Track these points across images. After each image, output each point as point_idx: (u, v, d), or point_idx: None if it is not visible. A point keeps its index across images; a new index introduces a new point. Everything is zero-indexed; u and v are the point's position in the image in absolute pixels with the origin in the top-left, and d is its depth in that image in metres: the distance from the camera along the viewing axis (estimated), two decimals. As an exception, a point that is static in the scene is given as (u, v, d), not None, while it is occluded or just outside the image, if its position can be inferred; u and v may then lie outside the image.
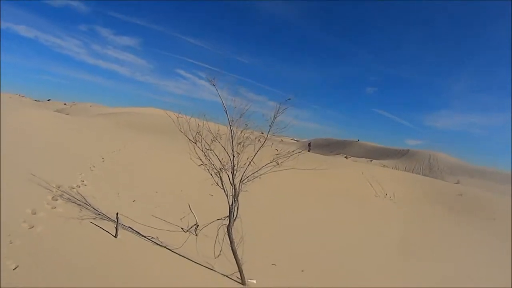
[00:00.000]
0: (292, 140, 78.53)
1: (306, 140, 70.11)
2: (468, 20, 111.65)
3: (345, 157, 45.12)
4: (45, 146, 10.51)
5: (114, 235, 4.87)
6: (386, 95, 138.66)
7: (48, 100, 69.51)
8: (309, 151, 35.54)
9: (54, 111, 34.64)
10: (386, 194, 16.00)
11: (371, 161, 43.45)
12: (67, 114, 33.22)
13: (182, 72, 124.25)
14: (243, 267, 4.94)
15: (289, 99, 4.20)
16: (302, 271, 6.34)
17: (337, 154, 47.21)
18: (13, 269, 3.12)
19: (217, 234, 4.89)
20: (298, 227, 9.70)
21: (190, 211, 5.47)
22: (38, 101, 66.01)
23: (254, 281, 4.97)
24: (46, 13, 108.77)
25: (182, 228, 5.63)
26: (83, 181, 7.82)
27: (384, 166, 31.80)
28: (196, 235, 5.48)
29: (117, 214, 4.82)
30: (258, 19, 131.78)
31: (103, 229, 5.04)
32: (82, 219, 5.20)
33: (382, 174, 19.53)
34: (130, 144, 14.83)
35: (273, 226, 9.20)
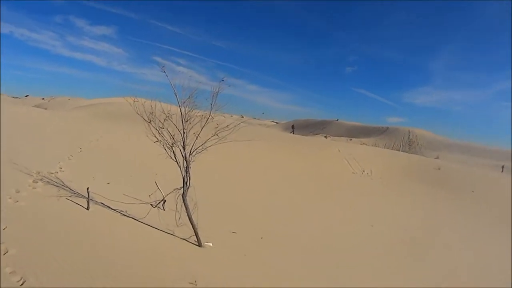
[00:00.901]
0: (272, 123, 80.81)
1: (285, 122, 72.33)
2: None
3: (325, 136, 46.97)
4: (25, 140, 11.28)
5: (86, 207, 5.75)
6: (365, 74, 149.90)
7: (26, 96, 69.82)
8: (292, 133, 36.86)
9: (33, 106, 35.01)
10: (364, 171, 17.06)
11: (350, 139, 45.75)
12: (45, 109, 33.76)
13: (159, 59, 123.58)
14: (204, 233, 5.92)
15: (223, 80, 5.08)
16: (261, 238, 7.28)
17: (317, 134, 48.99)
18: (3, 229, 4.00)
19: (176, 204, 5.80)
20: (264, 200, 10.69)
21: (157, 188, 6.37)
22: (16, 97, 65.88)
23: (211, 244, 5.93)
24: (21, 6, 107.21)
25: (151, 204, 6.52)
26: (61, 168, 8.70)
27: (363, 144, 33.19)
28: (164, 209, 6.39)
29: (87, 188, 5.74)
30: (235, 1, 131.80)
31: (77, 204, 5.95)
32: (59, 196, 6.12)
33: (360, 151, 20.72)
34: (106, 134, 15.66)
35: (238, 198, 10.19)
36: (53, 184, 6.90)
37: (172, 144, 5.24)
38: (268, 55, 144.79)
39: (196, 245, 5.80)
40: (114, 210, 6.35)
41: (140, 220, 6.15)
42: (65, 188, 6.86)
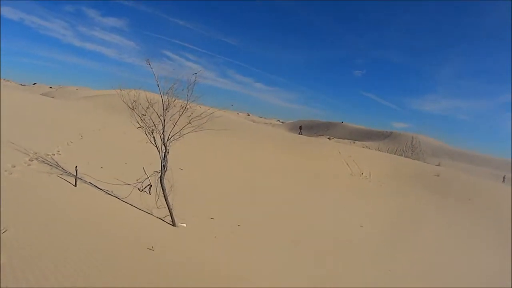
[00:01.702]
0: (278, 122, 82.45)
1: (291, 121, 74.10)
2: (456, 6, 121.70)
3: (328, 138, 47.60)
4: (28, 125, 12.19)
5: (74, 184, 6.51)
6: (374, 78, 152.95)
7: (34, 84, 72.35)
8: (300, 133, 37.60)
9: (40, 94, 36.46)
10: (362, 173, 17.58)
11: (354, 142, 46.49)
12: (53, 97, 35.15)
13: (169, 53, 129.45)
14: (185, 217, 6.64)
15: (196, 73, 5.80)
16: (238, 225, 7.94)
17: (321, 135, 49.65)
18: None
19: (156, 187, 6.53)
20: (256, 195, 11.41)
21: (145, 174, 7.11)
22: (24, 85, 68.14)
23: (184, 225, 6.64)
24: None
25: (138, 188, 7.26)
26: (58, 151, 9.57)
27: (365, 147, 33.77)
28: (150, 193, 7.13)
29: (76, 167, 6.52)
30: (246, 0, 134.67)
31: (67, 181, 6.72)
32: (51, 173, 6.94)
33: (360, 154, 21.24)
34: (108, 123, 16.55)
35: (231, 190, 10.91)
36: (48, 164, 7.72)
37: (152, 130, 5.94)
38: (276, 54, 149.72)
39: (171, 224, 6.48)
40: (100, 189, 7.12)
41: (122, 199, 6.90)
42: (58, 167, 7.66)
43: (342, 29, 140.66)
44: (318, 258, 7.76)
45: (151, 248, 4.59)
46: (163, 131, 6.04)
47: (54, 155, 9.01)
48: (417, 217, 13.28)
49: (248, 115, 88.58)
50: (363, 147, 35.35)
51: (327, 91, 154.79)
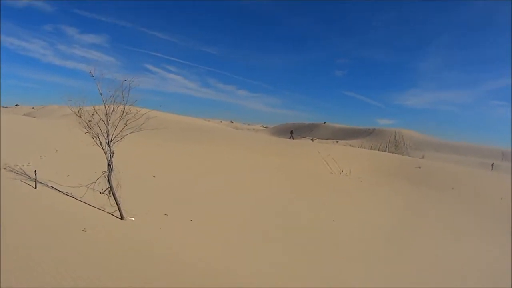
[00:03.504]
0: (262, 127, 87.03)
1: (275, 125, 79.58)
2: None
3: (311, 139, 49.86)
4: (4, 142, 13.58)
5: (34, 187, 7.83)
6: (355, 77, 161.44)
7: (16, 105, 75.24)
8: (291, 138, 39.27)
9: (22, 115, 38.29)
10: (342, 171, 18.78)
11: (337, 142, 48.98)
12: (34, 117, 36.99)
13: (150, 67, 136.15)
14: (139, 214, 7.90)
15: (125, 80, 7.16)
16: (190, 220, 9.16)
17: (304, 137, 51.57)
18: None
19: (98, 183, 7.81)
20: (231, 195, 12.65)
21: (104, 177, 8.40)
22: (6, 107, 70.76)
23: (133, 219, 7.93)
24: (10, 15, 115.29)
25: (99, 192, 8.54)
26: (29, 163, 10.87)
27: (348, 145, 35.39)
28: (109, 196, 8.40)
29: (35, 171, 7.84)
30: (224, 8, 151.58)
31: (28, 184, 8.04)
32: (15, 179, 8.25)
33: (340, 152, 22.70)
34: (85, 138, 17.85)
35: (203, 190, 12.02)
36: (15, 172, 9.06)
37: (97, 134, 7.28)
38: (258, 60, 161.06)
39: (120, 218, 7.73)
40: (60, 191, 8.43)
41: (79, 199, 8.17)
42: (24, 175, 9.03)
43: (322, 31, 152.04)
44: (287, 252, 8.86)
45: (83, 229, 5.84)
46: (107, 135, 7.37)
47: (23, 166, 10.35)
48: (396, 209, 14.31)
49: (232, 122, 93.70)
50: (346, 145, 36.88)
51: (309, 93, 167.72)
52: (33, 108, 70.57)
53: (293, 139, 39.76)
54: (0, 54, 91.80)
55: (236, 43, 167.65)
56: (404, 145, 39.69)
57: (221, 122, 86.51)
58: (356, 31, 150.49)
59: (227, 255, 7.66)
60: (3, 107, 71.66)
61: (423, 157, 30.31)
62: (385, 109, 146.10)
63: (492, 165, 32.29)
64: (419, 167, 21.43)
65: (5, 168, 9.21)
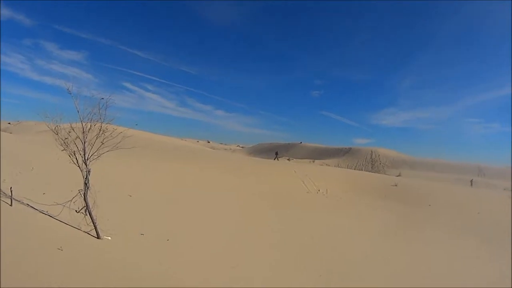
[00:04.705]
0: (238, 147, 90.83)
1: (251, 145, 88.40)
2: (409, 19, 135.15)
3: (288, 159, 51.29)
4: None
5: (10, 204, 8.05)
6: (332, 97, 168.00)
7: None
8: (276, 159, 39.99)
9: None
10: (319, 190, 19.26)
11: (313, 161, 50.49)
12: (11, 133, 36.99)
13: (128, 85, 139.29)
14: (118, 233, 8.14)
15: (102, 98, 7.53)
16: (167, 240, 9.40)
17: (280, 157, 52.95)
18: None
19: (74, 201, 8.05)
20: (201, 214, 12.91)
21: (81, 195, 8.64)
22: None
23: (109, 238, 8.20)
24: None
25: (75, 210, 8.78)
26: (4, 180, 11.05)
27: (324, 165, 36.38)
28: (85, 215, 8.62)
29: (10, 188, 8.09)
30: (203, 28, 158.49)
31: (4, 201, 8.26)
32: (-11, 196, 8.39)
33: (316, 172, 23.36)
34: (63, 157, 18.04)
35: (179, 209, 12.24)
36: (-11, 189, 9.20)
37: (74, 152, 7.56)
38: (235, 81, 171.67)
39: (96, 237, 7.96)
40: (35, 209, 8.66)
41: (55, 217, 8.39)
42: (-1, 192, 9.15)
43: (299, 52, 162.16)
44: (265, 268, 9.11)
45: (60, 248, 6.08)
46: (84, 153, 7.65)
47: (-1, 183, 10.50)
48: (374, 226, 14.72)
49: (208, 142, 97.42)
50: (322, 165, 37.72)
51: (286, 113, 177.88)
52: (9, 123, 70.80)
53: (277, 160, 40.49)
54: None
55: (214, 63, 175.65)
56: (380, 163, 41.25)
57: (198, 141, 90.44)
58: (332, 52, 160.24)
59: (203, 275, 7.93)
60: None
61: (399, 175, 31.39)
62: (361, 128, 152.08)
63: (471, 181, 33.60)
64: (396, 185, 22.51)
65: (-21, 185, 9.39)
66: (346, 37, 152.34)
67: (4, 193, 9.33)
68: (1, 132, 30.04)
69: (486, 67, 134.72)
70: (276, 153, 47.77)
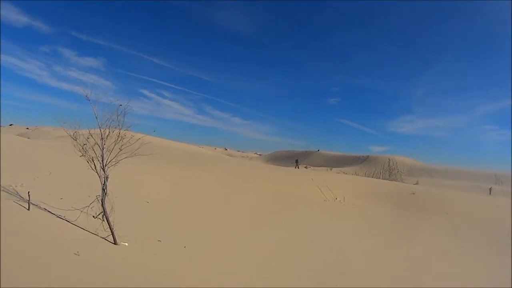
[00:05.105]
0: (255, 155, 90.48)
1: (269, 153, 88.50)
2: (426, 27, 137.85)
3: (305, 167, 51.02)
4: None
5: (27, 208, 8.19)
6: (349, 105, 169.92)
7: (10, 125, 76.90)
8: (297, 167, 40.07)
9: (16, 135, 39.07)
10: (336, 198, 19.13)
11: (331, 169, 50.23)
12: (29, 137, 37.72)
13: (146, 92, 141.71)
14: (136, 240, 8.22)
15: (120, 105, 7.63)
16: (184, 247, 9.43)
17: (299, 165, 53.13)
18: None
19: (92, 207, 8.15)
20: (219, 221, 12.89)
21: (98, 201, 8.76)
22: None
23: (126, 244, 8.25)
24: (8, 34, 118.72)
25: (93, 216, 8.90)
26: (22, 184, 11.30)
27: (342, 172, 36.21)
28: (103, 220, 8.73)
29: (28, 192, 8.24)
30: (221, 35, 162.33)
31: (21, 205, 8.40)
32: (8, 199, 8.64)
33: (334, 179, 23.17)
34: (80, 162, 18.35)
35: (196, 217, 12.30)
36: (7, 192, 9.45)
37: (92, 158, 7.67)
38: (251, 88, 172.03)
39: (113, 243, 8.03)
40: (53, 213, 8.78)
41: (72, 222, 8.54)
42: (17, 196, 9.39)
43: (316, 59, 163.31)
44: (283, 276, 9.04)
45: (76, 253, 6.16)
46: (102, 159, 7.76)
47: (17, 186, 10.76)
48: (393, 233, 14.54)
49: (226, 149, 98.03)
50: (339, 173, 37.51)
51: (303, 120, 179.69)
52: (27, 128, 72.39)
53: (298, 167, 40.57)
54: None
55: (231, 70, 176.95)
56: (397, 171, 40.98)
57: (215, 149, 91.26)
58: (349, 59, 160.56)
59: (217, 279, 7.93)
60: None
61: (417, 183, 31.04)
62: (379, 136, 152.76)
63: (490, 189, 33.10)
64: (413, 193, 22.33)
65: (-2, 189, 9.59)
66: (363, 45, 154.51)
67: (21, 197, 9.52)
68: (19, 137, 30.72)
69: (502, 75, 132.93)
70: (297, 161, 47.61)
